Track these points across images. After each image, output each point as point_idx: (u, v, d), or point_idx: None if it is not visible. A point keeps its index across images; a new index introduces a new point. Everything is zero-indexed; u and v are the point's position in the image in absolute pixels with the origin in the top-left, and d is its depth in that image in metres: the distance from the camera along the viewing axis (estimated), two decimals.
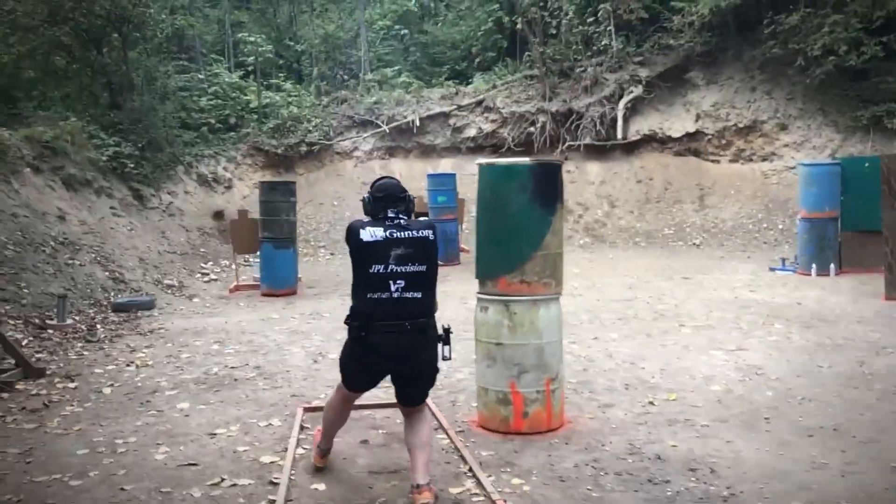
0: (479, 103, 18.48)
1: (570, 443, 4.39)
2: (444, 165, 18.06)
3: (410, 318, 3.53)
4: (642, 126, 17.50)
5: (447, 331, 3.68)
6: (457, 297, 8.94)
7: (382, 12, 23.96)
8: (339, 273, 13.03)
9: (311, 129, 18.15)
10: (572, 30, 17.86)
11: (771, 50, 15.56)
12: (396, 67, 20.78)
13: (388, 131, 18.26)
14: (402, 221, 3.62)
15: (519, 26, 17.86)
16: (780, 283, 10.46)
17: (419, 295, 3.56)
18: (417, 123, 18.20)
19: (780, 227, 14.52)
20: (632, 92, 17.37)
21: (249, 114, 18.20)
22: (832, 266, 10.75)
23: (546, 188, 4.51)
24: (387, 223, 3.59)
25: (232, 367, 6.58)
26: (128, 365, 6.74)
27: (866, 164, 10.87)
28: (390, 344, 3.52)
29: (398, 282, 3.51)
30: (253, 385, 5.94)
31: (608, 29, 17.38)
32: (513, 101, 18.23)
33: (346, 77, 20.26)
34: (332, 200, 17.47)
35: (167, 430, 4.83)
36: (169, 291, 11.11)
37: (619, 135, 17.01)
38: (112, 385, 6.02)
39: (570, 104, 17.68)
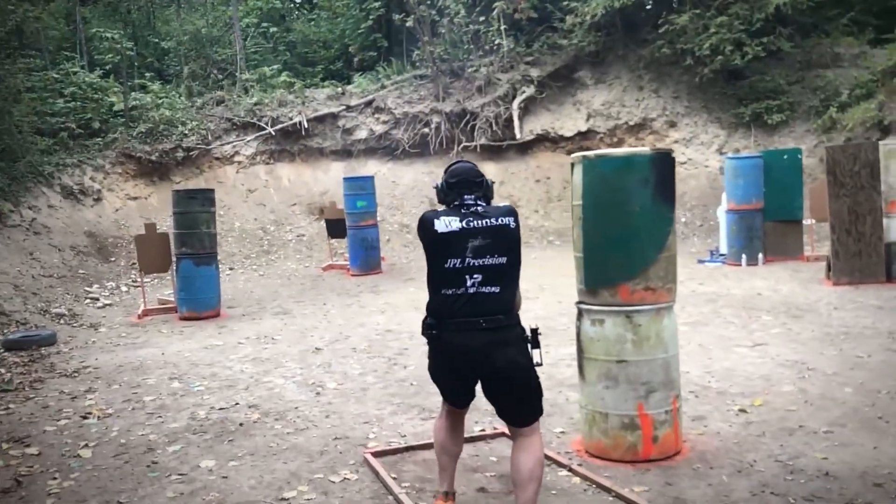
0: (369, 104, 17.68)
1: (714, 467, 3.91)
2: (336, 169, 17.10)
3: (486, 314, 3.12)
4: (535, 126, 17.50)
5: (535, 332, 3.24)
6: (409, 308, 8.22)
7: (246, 9, 22.48)
8: (254, 290, 11.84)
9: (186, 132, 16.49)
10: (462, 28, 17.52)
11: (660, 50, 16.06)
12: (275, 66, 19.47)
13: (273, 134, 17.00)
14: (479, 209, 3.22)
15: (409, 24, 17.25)
16: (719, 274, 10.64)
17: (497, 290, 3.16)
18: (305, 125, 17.09)
19: (683, 220, 14.98)
20: (524, 92, 17.32)
21: (115, 117, 16.24)
22: (760, 256, 11.11)
23: (667, 181, 4.03)
24: (463, 211, 3.21)
25: (221, 409, 5.53)
26: (84, 417, 5.49)
27: (785, 157, 11.35)
28: (464, 344, 3.13)
29: (475, 276, 3.14)
30: (270, 430, 4.96)
31: (500, 28, 17.22)
32: (404, 101, 17.60)
33: (220, 76, 18.68)
34: (217, 210, 15.94)
35: (218, 499, 3.82)
36: (62, 322, 9.53)
37: (518, 135, 16.90)
38: (87, 445, 4.82)
39: (463, 104, 17.33)
